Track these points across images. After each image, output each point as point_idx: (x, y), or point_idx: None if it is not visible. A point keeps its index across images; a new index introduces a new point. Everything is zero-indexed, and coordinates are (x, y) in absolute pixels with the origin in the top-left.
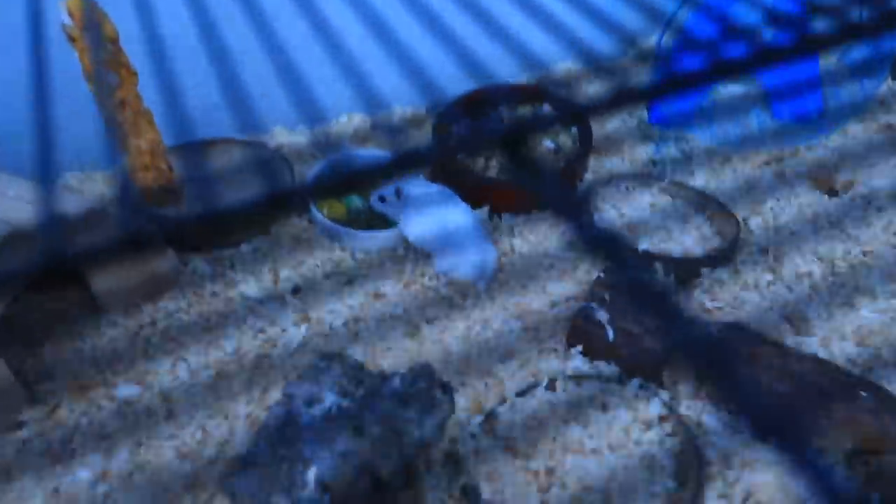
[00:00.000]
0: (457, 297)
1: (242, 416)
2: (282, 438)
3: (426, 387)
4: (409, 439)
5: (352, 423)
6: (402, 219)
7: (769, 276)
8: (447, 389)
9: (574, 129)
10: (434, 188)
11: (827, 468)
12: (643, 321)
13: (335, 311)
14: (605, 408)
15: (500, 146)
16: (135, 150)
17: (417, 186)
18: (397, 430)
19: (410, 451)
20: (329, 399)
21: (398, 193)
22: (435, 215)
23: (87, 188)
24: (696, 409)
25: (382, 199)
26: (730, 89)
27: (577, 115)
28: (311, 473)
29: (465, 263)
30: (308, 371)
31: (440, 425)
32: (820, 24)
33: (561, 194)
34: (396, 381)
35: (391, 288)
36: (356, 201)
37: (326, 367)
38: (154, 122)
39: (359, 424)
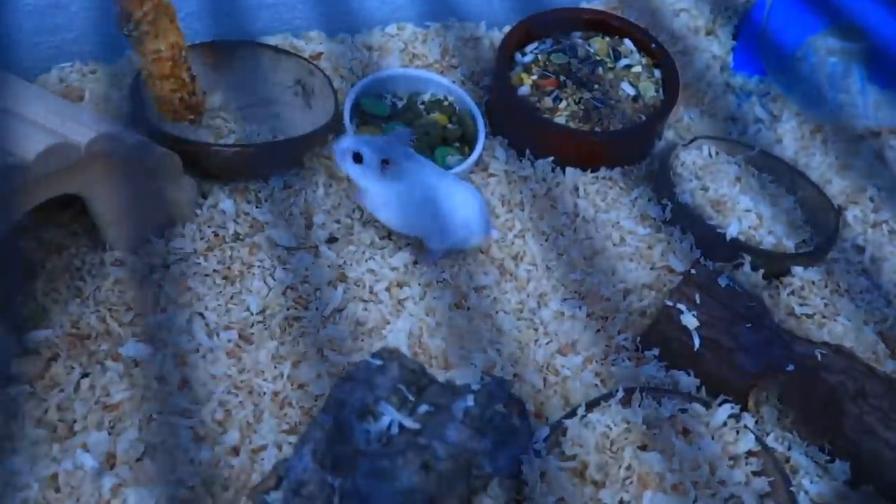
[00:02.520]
0: (507, 259)
1: (269, 394)
2: (332, 459)
3: (503, 412)
4: (479, 472)
5: (419, 455)
6: (376, 192)
7: (865, 281)
8: (524, 413)
9: (658, 74)
10: (428, 163)
11: None
12: (737, 335)
13: (376, 271)
14: (686, 434)
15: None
16: (152, 55)
17: (409, 154)
18: (469, 463)
19: (478, 484)
20: (387, 413)
21: (386, 163)
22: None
23: (88, 86)
24: (784, 440)
25: (358, 159)
26: (829, 42)
27: (663, 55)
28: None
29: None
30: (359, 371)
31: (515, 458)
32: None
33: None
34: (470, 401)
35: None
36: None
37: (381, 369)
38: (177, 20)
39: (427, 459)
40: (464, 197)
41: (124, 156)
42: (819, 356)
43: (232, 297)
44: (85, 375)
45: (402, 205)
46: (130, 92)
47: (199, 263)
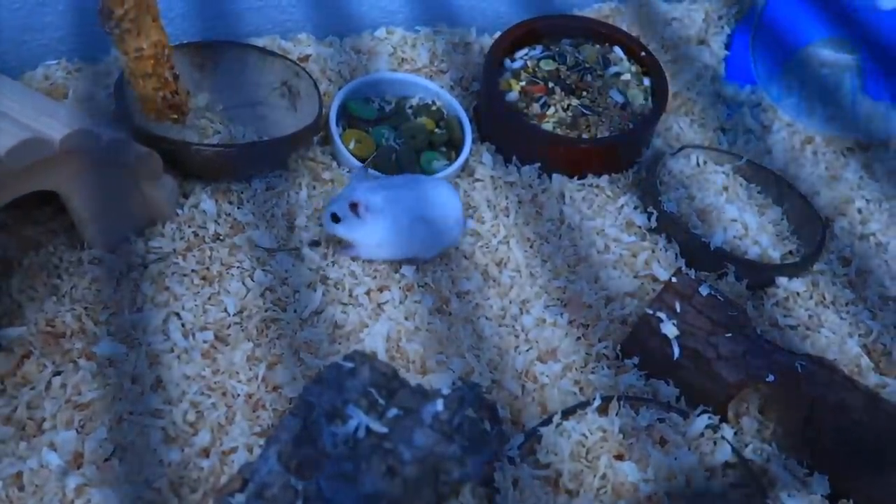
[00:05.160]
0: (491, 265)
1: (242, 395)
2: (298, 461)
3: (473, 417)
4: (447, 478)
5: (384, 459)
6: (366, 238)
7: (850, 294)
8: (496, 419)
9: (647, 82)
10: (398, 181)
11: None
12: (717, 345)
13: (356, 274)
14: (663, 443)
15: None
16: (134, 52)
17: (375, 188)
18: (436, 468)
19: (446, 490)
20: (355, 417)
21: (354, 208)
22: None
23: (72, 83)
24: (763, 452)
25: (336, 219)
26: (822, 54)
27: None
28: None
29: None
30: (330, 372)
31: (486, 464)
32: None
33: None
34: (439, 406)
35: None
36: (386, 135)
37: (352, 372)
38: (160, 19)
39: (393, 464)
40: (445, 199)
41: (101, 153)
42: (800, 368)
43: (210, 298)
44: (57, 374)
45: (394, 237)
46: (114, 90)
47: (178, 263)
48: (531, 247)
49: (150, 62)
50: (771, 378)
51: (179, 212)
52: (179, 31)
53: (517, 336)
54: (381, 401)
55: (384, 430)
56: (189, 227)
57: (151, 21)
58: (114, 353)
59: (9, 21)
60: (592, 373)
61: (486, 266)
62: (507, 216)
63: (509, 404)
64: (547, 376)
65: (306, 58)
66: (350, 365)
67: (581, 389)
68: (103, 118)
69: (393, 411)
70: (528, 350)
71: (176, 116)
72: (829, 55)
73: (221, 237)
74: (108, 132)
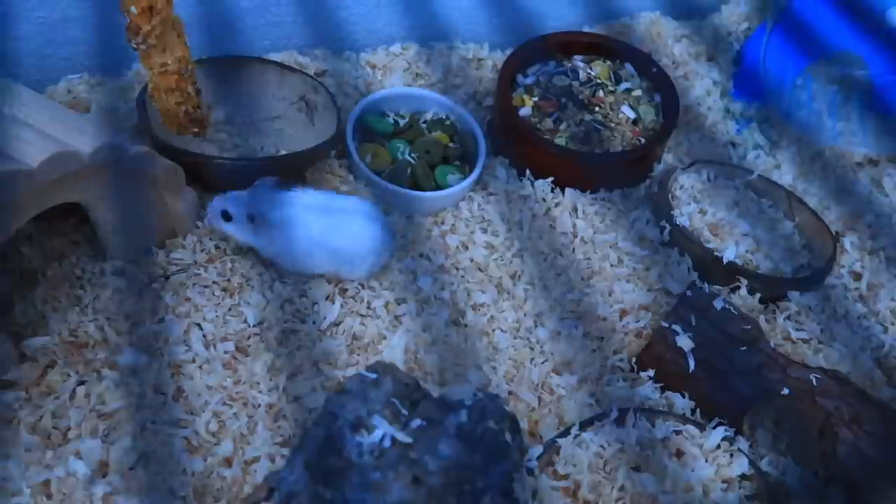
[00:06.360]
0: (506, 278)
1: (263, 405)
2: (324, 471)
3: (496, 429)
4: (470, 487)
5: (410, 469)
6: (261, 246)
7: (861, 308)
8: (517, 430)
9: (658, 98)
10: (314, 201)
11: None
12: (732, 358)
13: (374, 287)
14: (679, 455)
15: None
16: (159, 68)
17: (278, 202)
18: (459, 478)
19: (468, 500)
20: (380, 427)
21: (252, 219)
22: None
23: (94, 97)
24: (779, 465)
25: (227, 217)
26: (829, 70)
27: (664, 80)
28: None
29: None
30: (353, 383)
31: (507, 474)
32: None
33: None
34: (462, 416)
35: (435, 260)
36: (402, 149)
37: (375, 383)
38: (184, 34)
39: (419, 474)
40: (364, 224)
41: (127, 166)
42: (814, 381)
43: (230, 309)
44: (81, 383)
45: (288, 250)
46: (137, 104)
47: (199, 275)
48: (545, 260)
49: (175, 77)
50: (786, 391)
51: (200, 224)
52: (198, 45)
53: (532, 348)
54: (404, 411)
55: (409, 440)
56: (210, 239)
57: (176, 37)
58: (136, 363)
59: (32, 35)
60: (608, 385)
61: (500, 279)
62: (521, 229)
63: (526, 415)
64: (563, 388)
65: (323, 72)
66: (373, 376)
67: (597, 401)
68: (125, 131)
69: (416, 421)
70: (543, 362)
71: (197, 130)
72: (838, 71)
73: (242, 250)
74: (133, 145)
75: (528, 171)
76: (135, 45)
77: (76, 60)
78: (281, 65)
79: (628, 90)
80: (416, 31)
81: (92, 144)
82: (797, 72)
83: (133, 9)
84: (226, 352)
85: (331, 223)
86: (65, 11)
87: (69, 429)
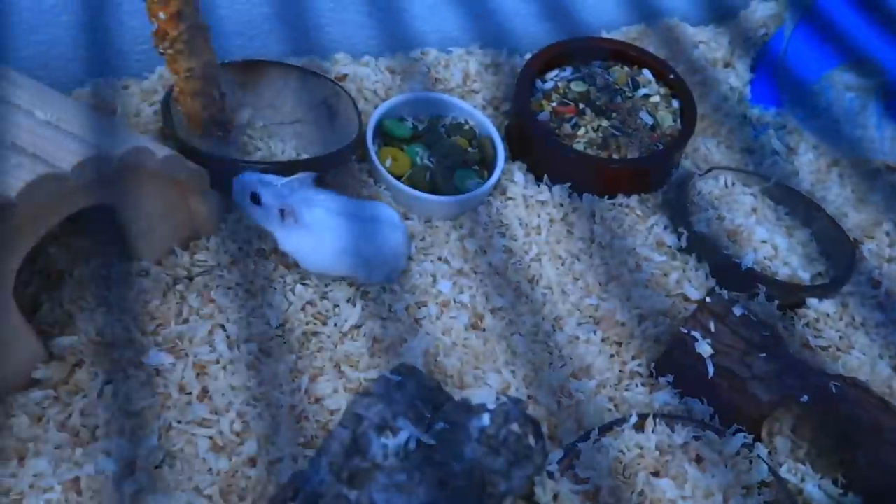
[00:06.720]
0: (524, 282)
1: (286, 406)
2: (348, 472)
3: (518, 433)
4: (492, 490)
5: (435, 471)
6: (282, 237)
7: (880, 315)
8: (539, 435)
9: (675, 104)
10: (346, 207)
11: None
12: (751, 364)
13: (395, 290)
14: (699, 461)
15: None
16: (185, 72)
17: (316, 202)
18: (483, 481)
19: (491, 502)
20: (404, 429)
21: (282, 212)
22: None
23: (120, 100)
24: (798, 472)
25: (256, 200)
26: (846, 77)
27: (681, 86)
28: None
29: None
30: (378, 385)
31: (529, 478)
32: None
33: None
34: (486, 420)
35: (454, 264)
36: (421, 154)
37: (399, 385)
38: (210, 39)
39: (444, 476)
40: (386, 232)
41: (155, 169)
42: (834, 388)
43: (253, 311)
44: (108, 382)
45: (313, 251)
46: (161, 107)
47: (223, 276)
48: (563, 265)
49: (200, 81)
50: (805, 398)
51: (223, 226)
52: (222, 49)
53: (551, 353)
54: (427, 414)
55: (433, 442)
56: (233, 241)
57: (203, 42)
58: (161, 363)
59: (59, 39)
60: (627, 390)
61: (518, 283)
62: (539, 234)
63: (546, 420)
64: (582, 393)
65: (343, 77)
66: (398, 378)
67: (616, 406)
68: (151, 134)
69: (440, 424)
70: (562, 366)
71: (221, 133)
72: (855, 79)
73: (265, 252)
74: (161, 149)
75: (546, 176)
76: (161, 50)
77: (101, 63)
78: (303, 69)
79: (646, 96)
80: (435, 36)
81: (122, 148)
82: (815, 79)
83: (162, 14)
84: (249, 353)
85: (361, 230)
86: (89, 15)
87: (97, 427)
